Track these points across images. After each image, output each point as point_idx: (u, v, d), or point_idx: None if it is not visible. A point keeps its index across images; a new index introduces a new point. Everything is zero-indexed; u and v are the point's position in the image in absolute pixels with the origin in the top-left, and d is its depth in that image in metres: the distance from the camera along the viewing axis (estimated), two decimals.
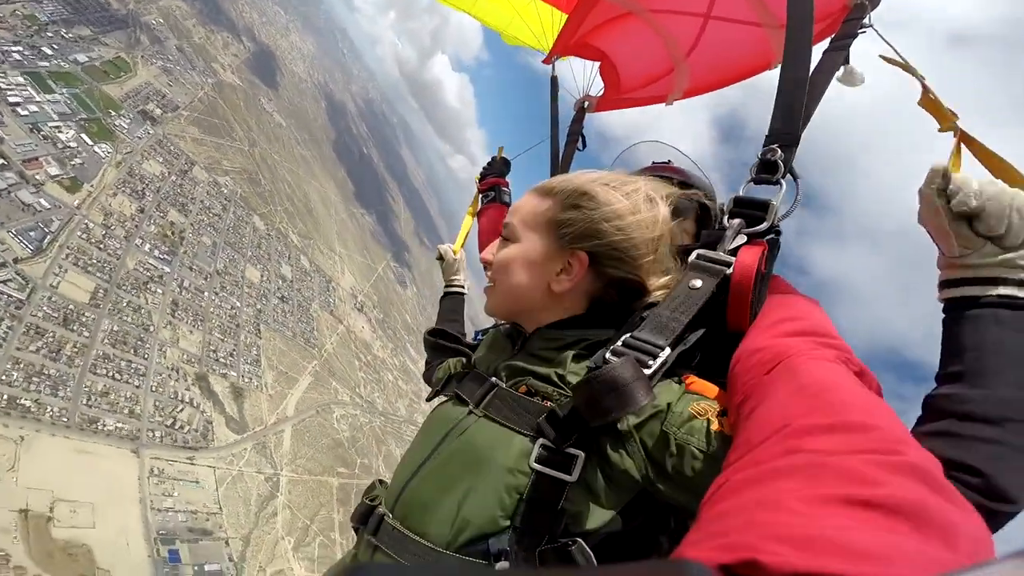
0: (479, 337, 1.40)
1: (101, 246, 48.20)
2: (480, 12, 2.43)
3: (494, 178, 2.39)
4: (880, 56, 1.30)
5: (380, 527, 1.01)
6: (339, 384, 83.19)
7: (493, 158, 2.51)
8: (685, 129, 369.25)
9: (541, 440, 0.89)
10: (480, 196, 2.41)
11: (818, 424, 0.56)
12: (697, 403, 0.86)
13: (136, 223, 55.10)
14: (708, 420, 0.83)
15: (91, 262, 46.02)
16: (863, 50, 1.34)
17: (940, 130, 1.14)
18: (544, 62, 2.19)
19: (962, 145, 1.06)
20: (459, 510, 0.91)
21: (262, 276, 77.46)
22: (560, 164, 2.19)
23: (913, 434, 0.82)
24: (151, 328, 49.48)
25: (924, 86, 1.18)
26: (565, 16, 2.17)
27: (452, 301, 2.11)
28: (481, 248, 2.06)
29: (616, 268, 1.07)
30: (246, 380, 61.04)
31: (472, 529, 0.90)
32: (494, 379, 1.08)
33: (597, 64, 2.15)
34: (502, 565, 0.86)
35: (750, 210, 1.05)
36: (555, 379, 0.99)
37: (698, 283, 0.94)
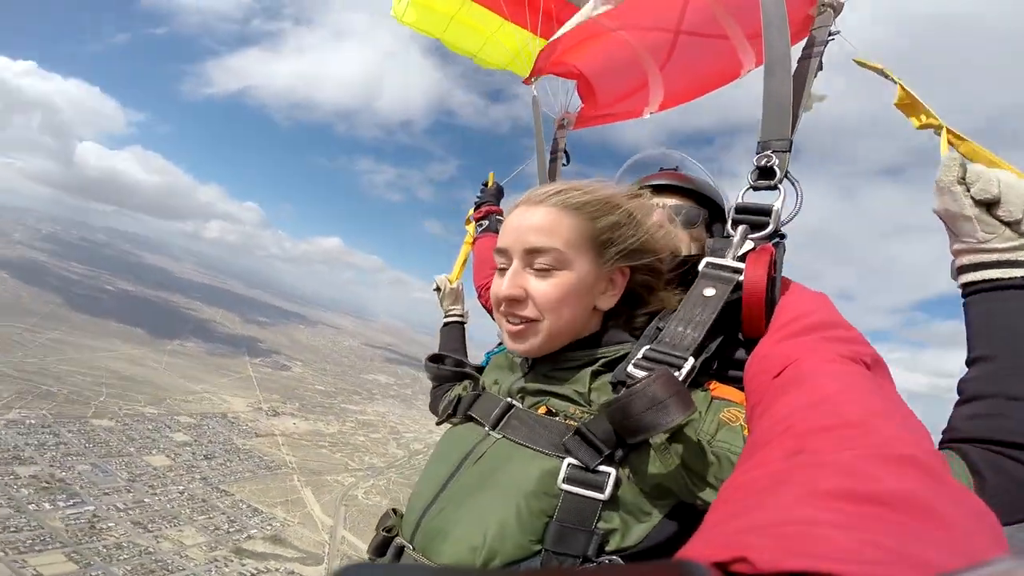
0: (487, 359, 1.35)
1: None
2: (451, 37, 2.46)
3: (489, 206, 2.36)
4: (854, 60, 1.34)
5: (401, 559, 0.97)
6: (333, 475, 77.13)
7: (485, 184, 2.50)
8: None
9: (569, 460, 0.85)
10: (475, 225, 2.38)
11: (820, 426, 0.56)
12: (727, 410, 0.86)
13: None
14: (741, 426, 0.84)
15: None
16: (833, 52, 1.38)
17: (919, 127, 1.18)
18: (525, 83, 2.23)
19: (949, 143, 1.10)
20: (485, 538, 0.85)
21: (167, 456, 64.68)
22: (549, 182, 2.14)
23: (956, 418, 0.86)
24: (155, 551, 39.76)
25: (901, 87, 1.21)
26: (536, 37, 2.32)
27: (452, 330, 2.10)
28: (478, 278, 2.13)
29: (646, 281, 1.08)
30: (269, 527, 53.84)
31: (501, 556, 0.84)
32: (509, 400, 1.04)
33: (574, 83, 2.25)
34: None
35: (753, 216, 1.06)
36: (576, 397, 0.95)
37: (711, 291, 0.94)
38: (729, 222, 1.08)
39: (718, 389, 0.92)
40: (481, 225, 2.33)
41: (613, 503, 0.83)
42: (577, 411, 0.94)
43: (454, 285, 2.22)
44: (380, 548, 1.03)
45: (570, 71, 2.21)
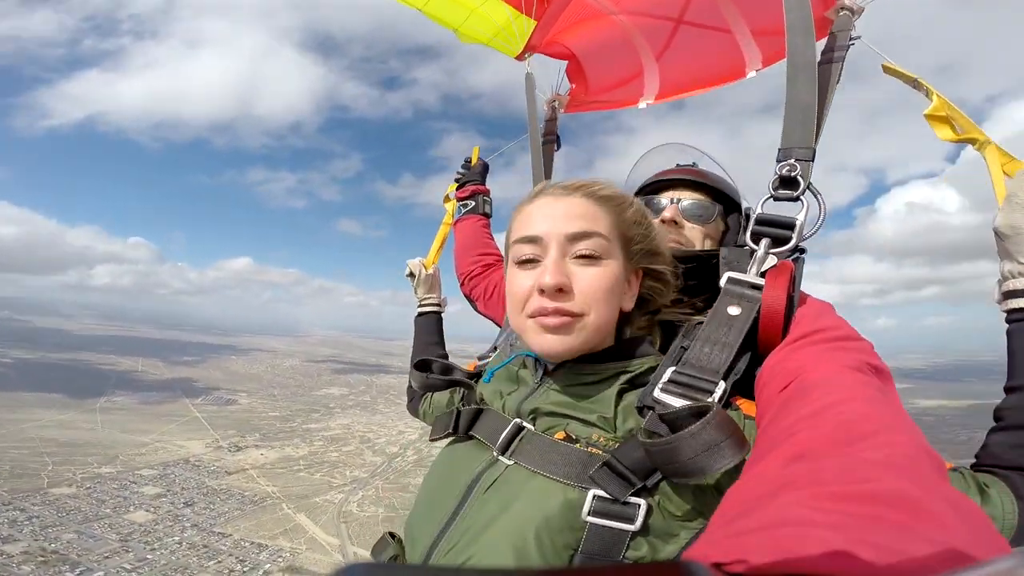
0: (490, 376, 1.17)
1: None
2: (433, 10, 2.20)
3: (474, 185, 2.14)
4: (884, 67, 1.26)
5: None
6: (320, 496, 76.97)
7: (467, 160, 2.25)
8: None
9: (595, 491, 0.79)
10: (458, 204, 2.14)
11: (821, 433, 0.56)
12: None
13: None
14: None
15: None
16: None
17: (950, 139, 1.13)
18: (517, 58, 2.08)
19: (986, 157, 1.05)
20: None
21: (147, 511, 62.39)
22: (543, 166, 1.96)
23: (995, 445, 0.87)
24: None
25: (939, 97, 1.14)
26: (521, 16, 2.10)
27: (429, 321, 1.89)
28: (462, 264, 1.97)
29: (653, 286, 1.04)
30: (280, 559, 54.73)
31: None
32: (519, 420, 0.94)
33: (565, 63, 2.14)
34: None
35: (776, 228, 1.02)
36: (601, 423, 0.87)
37: (736, 311, 0.90)
38: (749, 233, 1.04)
39: (745, 405, 0.86)
40: (466, 205, 2.13)
41: (643, 531, 0.78)
42: (601, 438, 0.86)
43: (430, 271, 1.99)
44: None
45: (561, 51, 2.15)
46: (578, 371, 0.95)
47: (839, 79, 1.23)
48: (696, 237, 1.32)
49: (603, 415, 0.88)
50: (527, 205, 1.01)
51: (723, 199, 1.38)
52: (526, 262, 0.94)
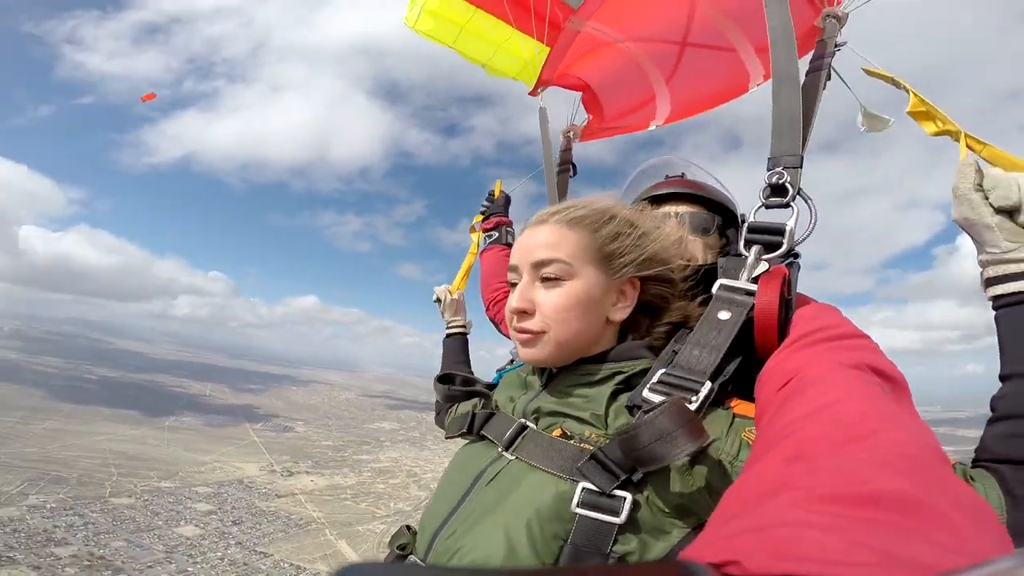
0: (499, 377, 1.30)
1: None
2: (462, 47, 2.39)
3: (498, 217, 2.29)
4: (863, 69, 1.31)
5: None
6: (363, 525, 75.19)
7: (491, 194, 2.39)
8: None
9: (583, 484, 0.83)
10: (483, 235, 2.30)
11: (819, 432, 0.56)
12: (748, 428, 0.84)
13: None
14: None
15: None
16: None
17: (933, 133, 1.16)
18: (531, 94, 2.17)
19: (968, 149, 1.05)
20: (502, 560, 0.84)
21: (196, 526, 62.61)
22: (558, 194, 2.07)
23: (988, 437, 0.84)
24: None
25: (915, 95, 1.18)
26: (545, 47, 2.22)
27: (455, 342, 2.05)
28: (487, 292, 2.11)
29: (660, 291, 1.06)
30: None
31: None
32: (523, 420, 1.02)
33: (579, 95, 2.19)
34: None
35: (766, 235, 1.05)
36: (593, 420, 0.93)
37: (726, 315, 0.93)
38: (742, 241, 1.07)
39: (740, 406, 0.89)
40: (490, 236, 2.28)
41: (630, 525, 0.81)
42: (593, 434, 0.92)
43: (455, 296, 2.16)
44: None
45: (575, 83, 2.19)
46: (576, 373, 1.02)
47: (825, 86, 1.28)
48: (698, 250, 1.33)
49: (595, 413, 0.94)
50: (520, 234, 1.12)
51: (720, 210, 1.40)
52: (513, 286, 1.07)
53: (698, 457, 0.81)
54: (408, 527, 1.11)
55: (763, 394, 0.79)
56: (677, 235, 1.11)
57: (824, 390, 0.66)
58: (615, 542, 0.81)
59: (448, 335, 2.08)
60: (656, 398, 0.84)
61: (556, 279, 1.01)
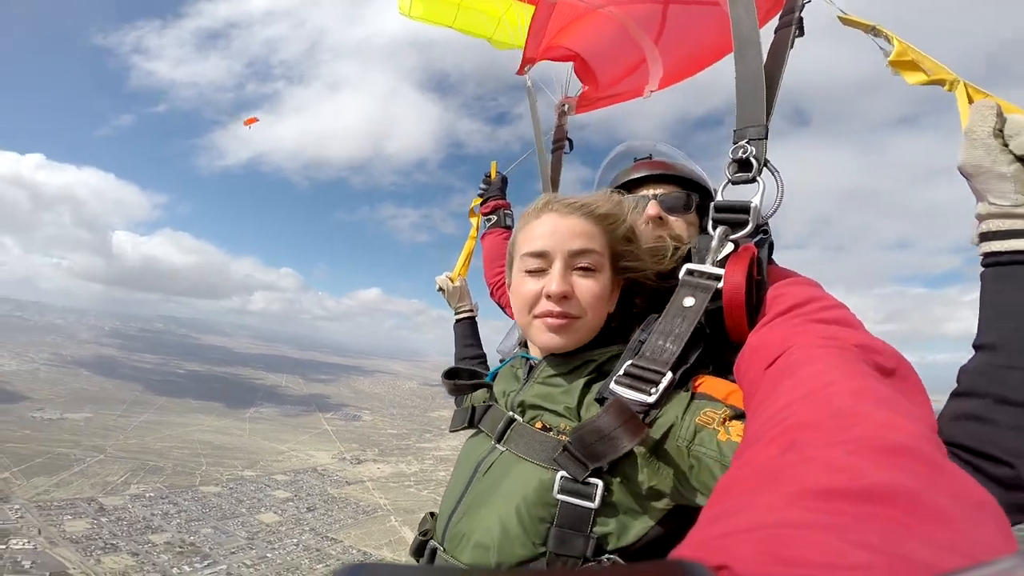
0: (491, 376, 1.33)
1: None
2: (463, 24, 2.38)
3: (496, 200, 2.29)
4: (839, 17, 1.21)
5: (435, 560, 1.07)
6: (424, 511, 76.75)
7: (487, 176, 2.39)
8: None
9: (561, 472, 0.90)
10: (482, 219, 2.32)
11: (811, 418, 0.55)
12: (704, 412, 0.86)
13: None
14: (715, 430, 0.83)
15: None
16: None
17: (922, 83, 1.06)
18: (518, 73, 2.15)
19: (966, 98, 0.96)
20: (498, 542, 0.94)
21: (275, 513, 67.17)
22: (551, 172, 2.08)
23: (945, 415, 0.77)
24: None
25: (899, 42, 1.10)
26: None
27: (465, 327, 2.11)
28: (490, 274, 2.12)
29: (635, 290, 1.15)
30: None
31: (512, 557, 0.93)
32: (511, 414, 1.09)
33: (571, 65, 2.18)
34: None
35: (732, 214, 1.04)
36: (567, 413, 1.01)
37: (690, 301, 0.94)
38: (710, 222, 1.06)
39: (705, 383, 0.92)
40: (489, 220, 2.26)
41: (607, 509, 0.89)
42: (567, 427, 0.98)
43: (457, 283, 2.18)
44: (418, 550, 1.13)
45: (564, 54, 2.12)
46: (555, 363, 1.09)
47: (793, 44, 1.18)
48: (681, 229, 1.31)
49: (568, 406, 1.01)
50: (533, 219, 1.12)
51: (695, 187, 1.38)
52: (534, 272, 1.07)
53: (659, 443, 0.86)
54: (432, 514, 1.20)
55: (750, 372, 0.78)
56: (660, 235, 1.15)
57: (815, 371, 0.65)
58: (594, 523, 0.89)
59: (457, 320, 2.13)
60: (621, 390, 0.89)
61: (591, 269, 1.05)
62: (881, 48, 1.14)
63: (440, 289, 2.20)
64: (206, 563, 48.38)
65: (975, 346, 0.80)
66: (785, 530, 0.37)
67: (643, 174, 1.39)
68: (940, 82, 1.04)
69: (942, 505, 0.38)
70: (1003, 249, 0.80)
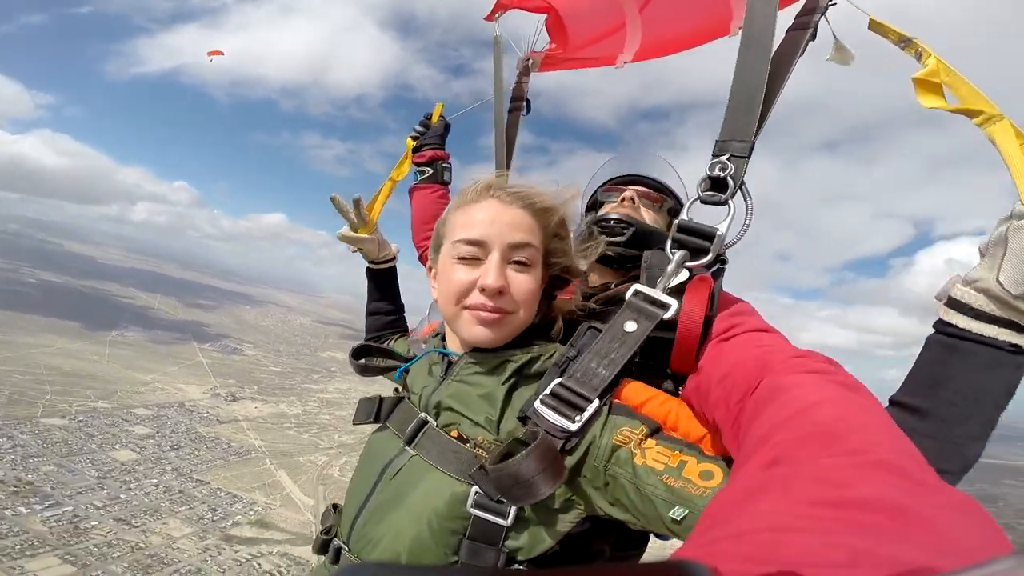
0: (399, 375, 1.24)
1: None
2: None
3: (434, 150, 1.96)
4: (871, 22, 1.09)
5: (339, 560, 1.04)
6: (305, 456, 77.69)
7: (427, 118, 2.03)
8: None
9: (475, 488, 0.88)
10: (415, 170, 1.98)
11: (797, 436, 0.56)
12: (622, 431, 0.84)
13: None
14: (632, 452, 0.82)
15: None
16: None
17: (951, 110, 0.95)
18: (486, 19, 1.93)
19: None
20: (407, 550, 0.91)
21: (132, 450, 63.46)
22: (506, 132, 1.83)
23: None
24: (146, 546, 40.45)
25: (937, 59, 0.98)
26: None
27: (381, 276, 1.76)
28: (419, 236, 1.89)
29: (557, 288, 1.14)
30: (252, 512, 55.00)
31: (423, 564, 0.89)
32: (424, 415, 1.05)
33: (543, 18, 1.96)
34: None
35: (695, 238, 0.98)
36: (487, 425, 0.97)
37: (632, 327, 0.90)
38: (669, 242, 1.00)
39: (625, 389, 0.92)
40: (423, 172, 1.98)
41: (519, 524, 0.88)
42: (486, 440, 0.95)
43: (374, 235, 1.72)
44: (322, 547, 1.12)
45: (539, 5, 1.95)
46: (473, 361, 1.05)
47: (804, 50, 1.07)
48: (648, 218, 1.36)
49: (489, 417, 0.98)
50: (472, 203, 1.06)
51: (672, 195, 1.44)
52: (467, 260, 1.02)
53: (578, 464, 0.86)
54: (335, 506, 1.18)
55: (732, 399, 0.76)
56: (595, 241, 1.17)
57: (802, 394, 0.66)
58: (506, 538, 0.88)
59: (374, 270, 1.77)
60: (545, 412, 0.86)
61: (527, 264, 1.02)
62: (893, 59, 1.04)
63: (356, 250, 1.74)
64: (47, 503, 45.11)
65: (895, 401, 0.80)
66: (771, 534, 0.39)
67: (632, 175, 1.45)
68: (972, 113, 0.91)
69: (927, 513, 0.39)
70: (967, 328, 0.78)
